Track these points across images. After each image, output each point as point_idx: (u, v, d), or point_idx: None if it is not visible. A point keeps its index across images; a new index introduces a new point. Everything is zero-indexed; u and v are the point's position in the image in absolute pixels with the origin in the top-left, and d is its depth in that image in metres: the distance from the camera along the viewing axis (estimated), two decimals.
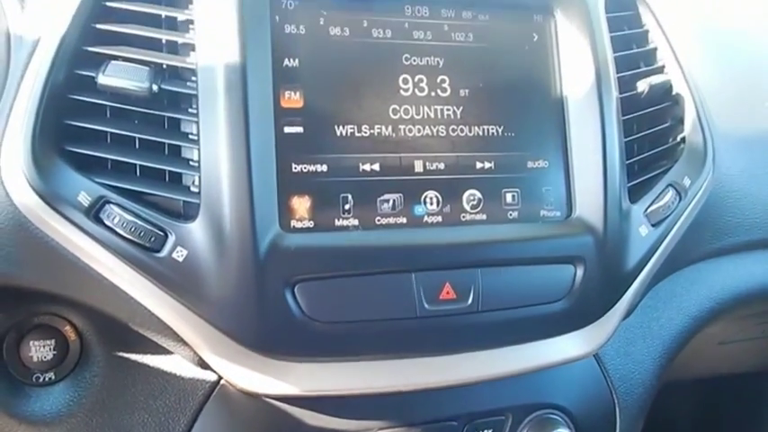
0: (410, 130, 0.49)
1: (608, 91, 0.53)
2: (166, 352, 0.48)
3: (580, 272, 0.50)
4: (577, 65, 0.53)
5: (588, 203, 0.51)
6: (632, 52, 0.59)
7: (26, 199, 0.42)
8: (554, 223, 0.51)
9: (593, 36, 0.53)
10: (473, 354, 0.49)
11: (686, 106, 0.61)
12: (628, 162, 0.55)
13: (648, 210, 0.55)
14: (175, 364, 0.49)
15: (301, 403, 0.49)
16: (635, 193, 0.55)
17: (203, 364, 0.47)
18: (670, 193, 0.57)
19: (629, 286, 0.54)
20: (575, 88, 0.53)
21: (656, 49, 0.61)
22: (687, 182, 0.58)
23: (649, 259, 0.55)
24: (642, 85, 0.57)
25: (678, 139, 0.61)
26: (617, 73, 0.55)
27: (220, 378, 0.49)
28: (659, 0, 0.63)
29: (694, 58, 0.65)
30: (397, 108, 0.49)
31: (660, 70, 0.61)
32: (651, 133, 0.58)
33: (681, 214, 0.57)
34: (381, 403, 0.51)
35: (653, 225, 0.55)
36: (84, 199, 0.42)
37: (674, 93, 0.61)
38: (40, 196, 0.42)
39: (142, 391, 0.49)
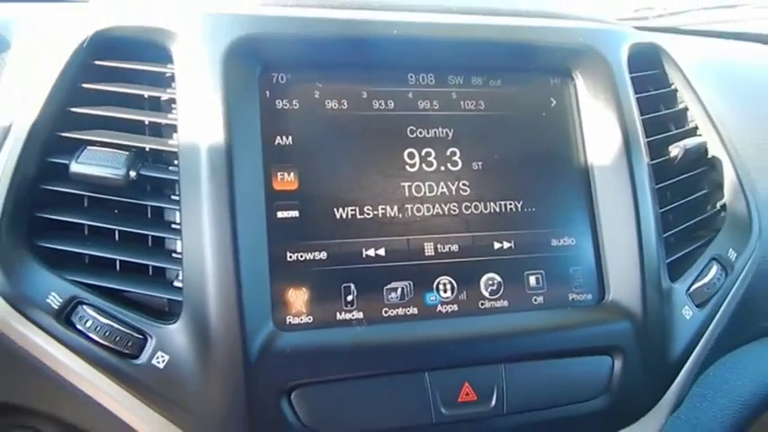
0: (419, 210, 0.44)
1: (638, 158, 0.48)
2: None
3: (618, 363, 0.44)
4: (602, 130, 0.48)
5: (623, 284, 0.46)
6: (661, 114, 0.54)
7: None
8: (585, 308, 0.46)
9: (617, 98, 0.49)
10: None
11: (725, 170, 0.55)
12: (664, 235, 0.49)
13: (692, 288, 0.49)
14: None
15: None
16: (675, 271, 0.49)
17: None
18: (714, 269, 0.51)
19: (676, 377, 0.47)
20: (600, 156, 0.48)
21: (686, 109, 0.56)
22: (732, 254, 0.52)
23: (696, 344, 0.48)
24: (675, 150, 0.52)
25: (718, 206, 0.55)
26: (646, 137, 0.50)
27: None
28: (686, 56, 0.59)
29: (730, 117, 0.60)
30: (404, 186, 0.44)
31: (693, 132, 0.56)
32: (688, 202, 0.53)
33: (728, 291, 0.51)
34: None
35: (698, 306, 0.49)
36: (54, 301, 0.38)
37: (709, 156, 0.56)
38: (6, 300, 0.38)
39: None
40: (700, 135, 0.56)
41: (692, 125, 0.56)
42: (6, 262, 0.38)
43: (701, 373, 0.52)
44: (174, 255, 0.41)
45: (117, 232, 0.41)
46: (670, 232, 0.50)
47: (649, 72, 0.55)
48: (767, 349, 0.59)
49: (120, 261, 0.40)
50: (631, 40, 0.53)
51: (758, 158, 0.60)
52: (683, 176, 0.53)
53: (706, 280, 0.50)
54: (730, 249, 0.52)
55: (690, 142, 0.53)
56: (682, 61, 0.58)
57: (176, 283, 0.40)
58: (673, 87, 0.56)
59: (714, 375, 0.56)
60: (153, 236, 0.41)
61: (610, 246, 0.47)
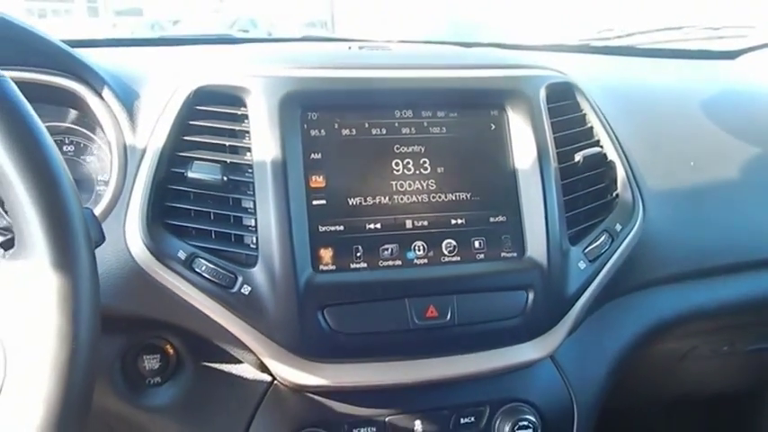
0: (401, 199, 0.68)
1: (547, 163, 0.71)
2: (236, 361, 0.68)
3: (531, 296, 0.68)
4: (524, 145, 0.72)
5: (536, 246, 0.69)
6: (571, 132, 0.78)
7: (143, 256, 0.63)
8: (511, 261, 0.70)
9: (534, 123, 0.72)
10: (453, 357, 0.68)
11: (618, 170, 0.79)
12: (570, 214, 0.73)
13: (586, 249, 0.73)
14: (242, 369, 0.69)
15: (330, 395, 0.68)
16: (576, 238, 0.73)
17: (263, 368, 0.67)
18: (604, 236, 0.75)
19: (572, 307, 0.72)
20: (523, 162, 0.72)
21: (591, 127, 0.80)
22: (619, 227, 0.76)
23: (587, 286, 0.72)
24: (578, 157, 0.76)
25: (613, 195, 0.79)
26: (557, 148, 0.73)
27: (274, 379, 0.68)
28: (596, 83, 0.84)
29: (625, 128, 0.84)
30: (392, 183, 0.68)
31: (596, 144, 0.80)
32: (589, 192, 0.76)
33: (613, 253, 0.75)
34: (390, 396, 0.70)
35: (590, 261, 0.73)
36: (182, 255, 0.63)
37: (608, 160, 0.80)
38: (152, 254, 0.63)
39: (220, 388, 0.69)
40: (601, 147, 0.79)
41: (595, 138, 0.80)
42: (152, 232, 0.63)
43: (595, 308, 0.76)
44: (249, 228, 0.65)
45: (212, 214, 0.66)
46: (575, 212, 0.74)
47: (563, 102, 0.78)
48: (652, 296, 0.83)
49: (215, 231, 0.65)
50: (549, 81, 0.76)
51: (645, 158, 0.83)
52: (584, 175, 0.76)
53: (597, 243, 0.73)
54: (617, 224, 0.76)
55: (589, 151, 0.76)
56: (591, 89, 0.81)
57: (251, 245, 0.65)
58: (582, 113, 0.80)
59: (611, 312, 0.80)
60: (235, 216, 0.66)
61: (528, 221, 0.70)
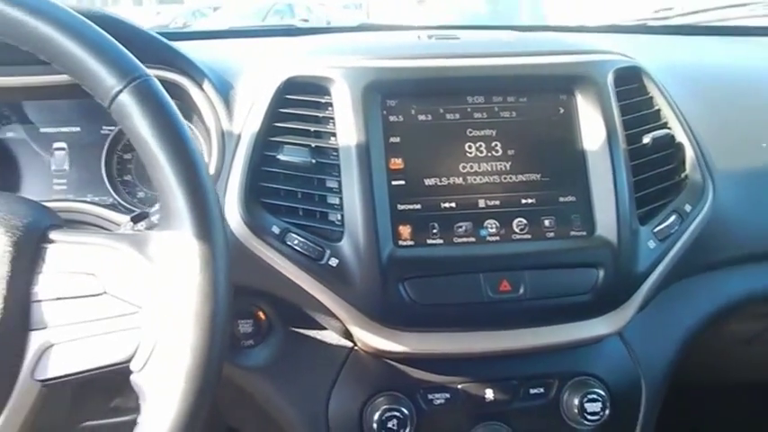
0: (474, 180, 0.73)
1: (616, 145, 0.74)
2: (321, 327, 0.75)
3: (601, 273, 0.71)
4: (593, 128, 0.75)
5: (606, 225, 0.72)
6: (639, 114, 0.80)
7: (240, 230, 0.70)
8: (581, 239, 0.73)
9: (603, 106, 0.75)
10: (524, 330, 0.71)
11: (687, 151, 0.81)
12: (640, 194, 0.75)
13: (656, 229, 0.75)
14: (326, 335, 0.76)
15: (407, 361, 0.73)
16: (646, 218, 0.75)
17: (346, 335, 0.73)
18: (673, 217, 0.76)
19: (641, 285, 0.74)
20: (592, 144, 0.75)
21: (659, 110, 0.82)
22: (688, 208, 0.78)
23: (657, 265, 0.74)
24: (647, 138, 0.78)
25: (682, 176, 0.80)
26: (626, 131, 0.76)
27: (354, 345, 0.74)
28: (661, 69, 0.85)
29: (694, 110, 0.85)
30: (465, 165, 0.73)
31: (664, 126, 0.81)
32: (659, 173, 0.78)
33: (683, 232, 0.76)
34: (463, 364, 0.74)
35: (660, 240, 0.75)
36: (276, 230, 0.69)
37: (677, 141, 0.81)
38: (249, 228, 0.69)
39: (306, 352, 0.75)
40: (669, 128, 0.81)
41: (663, 121, 0.82)
42: (249, 209, 0.70)
43: (663, 286, 0.78)
44: (334, 205, 0.71)
45: (300, 193, 0.72)
46: (642, 192, 0.76)
47: (631, 86, 0.80)
48: (712, 279, 0.84)
49: (303, 209, 0.71)
50: (617, 65, 0.78)
51: (714, 139, 0.84)
52: (653, 156, 0.78)
53: (667, 224, 0.75)
54: (687, 204, 0.78)
55: (658, 133, 0.78)
56: (656, 71, 0.83)
57: (336, 221, 0.70)
58: (649, 95, 0.81)
59: (679, 291, 0.82)
60: (319, 194, 0.72)
61: (598, 201, 0.73)
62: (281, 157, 0.71)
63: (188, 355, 0.45)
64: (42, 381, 0.47)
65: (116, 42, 0.49)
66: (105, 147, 0.86)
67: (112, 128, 0.87)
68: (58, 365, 0.46)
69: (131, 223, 0.63)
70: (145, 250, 0.48)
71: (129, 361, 0.46)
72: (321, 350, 0.75)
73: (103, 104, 0.48)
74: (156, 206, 0.62)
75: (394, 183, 0.71)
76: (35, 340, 0.46)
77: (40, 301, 0.47)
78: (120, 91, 0.47)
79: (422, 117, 0.73)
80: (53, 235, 0.49)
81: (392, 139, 0.72)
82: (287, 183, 0.72)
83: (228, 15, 6.65)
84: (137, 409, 0.76)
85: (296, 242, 0.69)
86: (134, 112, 0.47)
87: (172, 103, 0.49)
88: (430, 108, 0.73)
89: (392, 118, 0.72)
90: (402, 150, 0.72)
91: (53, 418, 0.50)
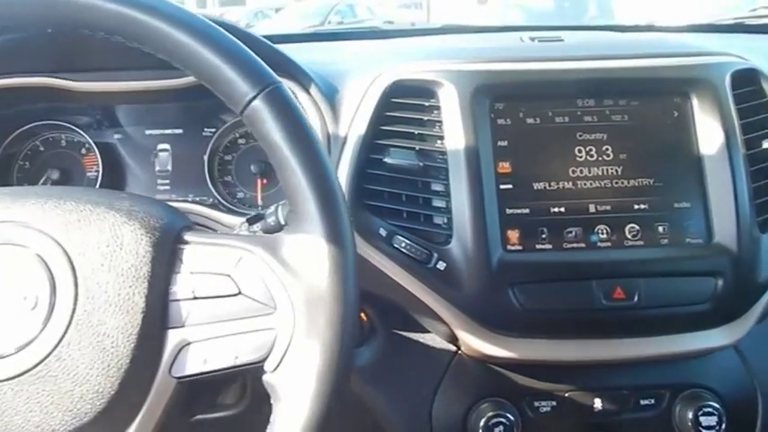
0: (584, 184, 0.71)
1: (735, 150, 0.71)
2: (424, 331, 0.74)
3: (720, 282, 0.68)
4: (710, 132, 0.72)
5: (724, 233, 0.69)
6: (758, 118, 0.76)
7: None
8: (697, 247, 0.70)
9: (721, 110, 0.72)
10: (637, 339, 0.69)
11: None
12: (759, 201, 0.72)
13: None
14: (429, 339, 0.75)
15: (513, 367, 0.72)
16: (766, 226, 0.72)
17: (451, 339, 0.72)
18: None
19: (762, 295, 0.70)
20: (709, 148, 0.71)
21: None
22: None
23: None
24: (766, 143, 0.74)
25: None
26: (744, 135, 0.73)
27: (458, 350, 0.73)
28: None
29: None
30: (575, 169, 0.71)
31: None
32: None
33: None
34: (571, 372, 0.73)
35: None
36: (383, 232, 0.69)
37: None
38: (356, 230, 0.70)
39: (408, 356, 0.75)
40: None
41: None
42: (355, 211, 0.70)
43: None
44: (440, 209, 0.70)
45: (406, 196, 0.71)
46: (762, 199, 0.73)
47: (749, 88, 0.77)
48: None
49: (408, 211, 0.71)
50: (735, 67, 0.75)
51: None
52: None
53: None
54: None
55: None
56: None
57: (443, 224, 0.69)
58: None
59: None
60: (424, 197, 0.71)
61: (716, 208, 0.70)
62: (387, 160, 0.71)
63: (321, 357, 0.45)
64: (179, 377, 0.48)
65: (249, 51, 0.49)
66: (208, 149, 0.88)
67: (213, 130, 0.90)
68: (195, 363, 0.47)
69: (247, 224, 0.65)
70: (277, 253, 0.48)
71: (263, 361, 0.47)
72: (424, 353, 0.75)
73: (235, 110, 0.49)
74: (271, 208, 0.63)
75: (502, 187, 0.70)
76: (173, 338, 0.47)
77: (178, 300, 0.48)
78: (254, 98, 0.47)
79: (530, 120, 0.72)
80: (187, 236, 0.50)
81: (500, 143, 0.71)
82: (392, 185, 0.72)
83: (290, 16, 6.76)
84: (234, 405, 0.78)
85: (403, 245, 0.68)
86: (267, 117, 0.47)
87: (302, 109, 0.50)
88: (538, 111, 0.72)
89: (500, 121, 0.71)
90: (510, 154, 0.71)
91: (175, 412, 0.51)
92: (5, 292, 0.46)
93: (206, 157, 0.88)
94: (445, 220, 0.70)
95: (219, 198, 0.88)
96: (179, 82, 0.81)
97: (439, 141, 0.72)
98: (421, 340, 0.75)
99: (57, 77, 0.80)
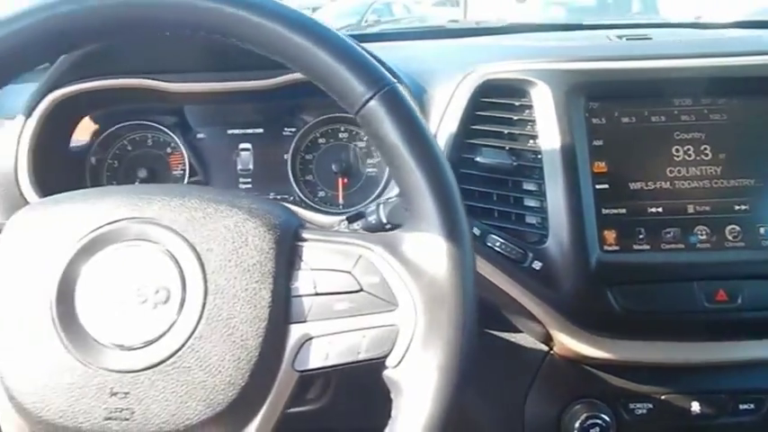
0: (682, 184, 0.70)
1: None
2: (516, 330, 0.74)
3: None
4: None
5: None
6: None
7: None
8: None
9: None
10: (739, 342, 0.68)
11: None
12: None
13: None
14: (521, 338, 0.75)
15: (607, 369, 0.72)
16: None
17: (544, 338, 0.72)
18: None
19: None
20: None
21: None
22: None
23: None
24: None
25: None
26: None
27: (550, 350, 0.73)
28: None
29: None
30: (672, 169, 0.70)
31: None
32: None
33: None
34: (668, 375, 0.72)
35: None
36: (477, 231, 0.69)
37: None
38: None
39: (500, 354, 0.75)
40: None
41: None
42: None
43: None
44: (533, 208, 0.70)
45: (496, 195, 0.71)
46: None
47: None
48: None
49: (500, 211, 0.71)
50: None
51: None
52: None
53: None
54: None
55: None
56: None
57: (536, 224, 0.69)
58: None
59: None
60: (516, 196, 0.71)
61: None
62: (479, 159, 0.71)
63: (444, 354, 0.46)
64: (301, 371, 0.49)
65: (364, 52, 0.50)
66: (291, 148, 0.89)
67: (293, 130, 0.91)
68: (317, 358, 0.48)
69: (346, 223, 0.65)
70: (397, 251, 0.49)
71: (385, 357, 0.48)
72: (515, 353, 0.75)
73: (349, 110, 0.49)
74: (371, 207, 0.64)
75: (598, 186, 0.69)
76: (295, 332, 0.48)
77: (300, 296, 0.49)
78: (371, 98, 0.48)
79: (626, 120, 0.71)
80: (305, 234, 0.51)
81: (595, 142, 0.70)
82: (484, 185, 0.72)
83: (327, 15, 6.79)
84: (316, 400, 0.79)
85: (497, 244, 0.68)
86: (383, 118, 0.48)
87: (417, 109, 0.51)
88: (634, 110, 0.71)
89: (595, 120, 0.71)
90: (605, 154, 0.70)
91: None
92: (139, 286, 0.47)
93: (289, 157, 0.89)
94: (539, 220, 0.69)
95: (302, 196, 0.89)
96: (264, 83, 0.82)
97: (531, 141, 0.71)
98: (512, 340, 0.75)
99: (151, 79, 0.82)
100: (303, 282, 0.49)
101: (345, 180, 0.90)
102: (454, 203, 0.48)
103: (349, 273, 0.49)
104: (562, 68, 0.71)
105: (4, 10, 0.49)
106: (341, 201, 0.89)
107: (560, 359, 0.73)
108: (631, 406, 0.72)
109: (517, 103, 0.73)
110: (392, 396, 0.48)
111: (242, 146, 0.92)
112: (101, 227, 0.48)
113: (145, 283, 0.48)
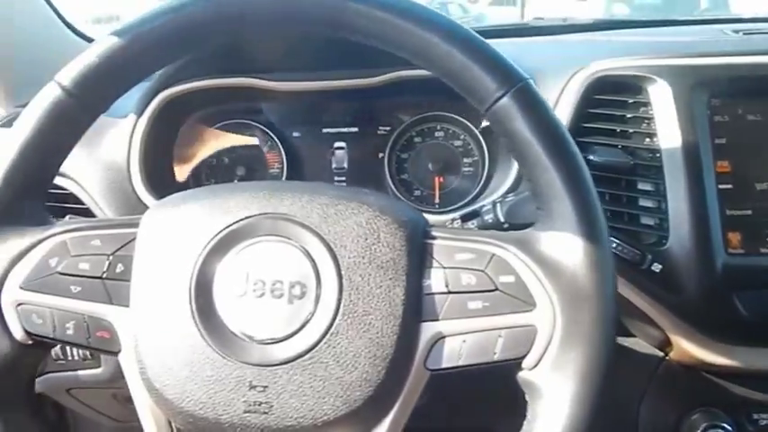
0: None
1: None
2: (629, 334, 0.71)
3: None
4: None
5: None
6: None
7: None
8: None
9: None
10: None
11: None
12: None
13: None
14: (633, 343, 0.73)
15: (728, 377, 0.69)
16: None
17: (660, 344, 0.69)
18: None
19: None
20: None
21: None
22: None
23: None
24: None
25: None
26: None
27: (665, 356, 0.70)
28: None
29: None
30: None
31: None
32: None
33: None
34: None
35: None
36: None
37: None
38: None
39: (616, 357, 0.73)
40: None
41: None
42: None
43: None
44: (648, 208, 0.67)
45: (608, 195, 0.69)
46: None
47: None
48: None
49: (612, 211, 0.69)
50: None
51: None
52: None
53: None
54: None
55: None
56: None
57: (653, 225, 0.67)
58: None
59: None
60: (629, 196, 0.69)
61: None
62: (591, 157, 0.69)
63: (586, 356, 0.45)
64: (433, 370, 0.48)
65: (496, 49, 0.49)
66: (387, 147, 0.89)
67: (388, 128, 0.91)
68: (451, 357, 0.48)
69: (460, 221, 0.65)
70: (532, 250, 0.48)
71: (522, 358, 0.47)
72: (627, 358, 0.73)
73: (479, 106, 0.49)
74: (487, 205, 0.63)
75: (721, 187, 0.66)
76: (427, 331, 0.48)
77: (432, 294, 0.48)
78: (503, 95, 0.47)
79: (751, 117, 0.68)
80: (434, 232, 0.51)
81: (717, 141, 0.68)
82: (596, 184, 0.70)
83: None
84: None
85: (614, 245, 0.66)
86: (516, 115, 0.47)
87: (550, 105, 0.49)
88: (760, 107, 0.68)
89: (717, 118, 0.68)
90: (729, 152, 0.67)
91: None
92: (275, 281, 0.48)
93: (386, 156, 0.90)
94: (657, 221, 0.67)
95: (398, 195, 0.89)
96: (366, 81, 0.83)
97: (648, 139, 0.69)
98: (625, 344, 0.73)
99: (256, 77, 0.83)
100: (435, 280, 0.49)
101: (442, 179, 0.89)
102: (593, 202, 0.47)
103: (482, 272, 0.48)
104: (683, 64, 0.68)
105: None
106: (437, 200, 0.89)
107: (677, 365, 0.70)
108: (755, 416, 0.68)
109: (631, 101, 0.70)
110: (527, 398, 0.47)
111: (337, 144, 0.93)
112: (234, 223, 0.49)
113: (280, 279, 0.48)
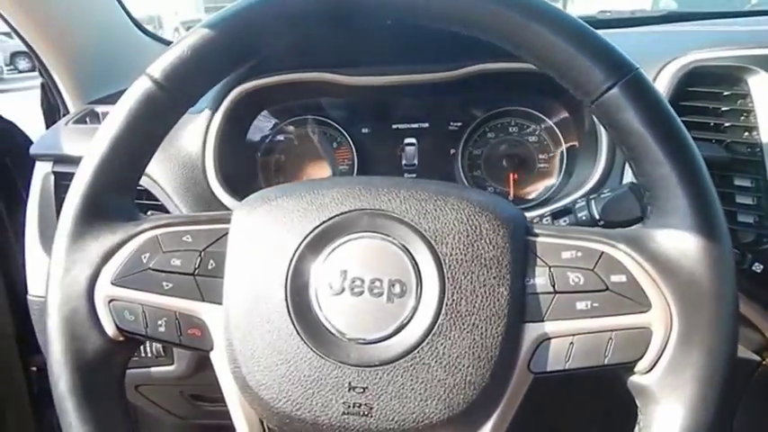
0: None
1: None
2: None
3: None
4: None
5: None
6: None
7: None
8: None
9: None
10: None
11: None
12: None
13: None
14: None
15: None
16: None
17: (757, 348, 0.66)
18: None
19: None
20: None
21: None
22: None
23: None
24: None
25: None
26: None
27: (762, 360, 0.67)
28: None
29: None
30: None
31: None
32: None
33: None
34: None
35: None
36: None
37: None
38: None
39: None
40: None
41: None
42: None
43: None
44: (746, 205, 0.64)
45: None
46: None
47: None
48: None
49: None
50: None
51: None
52: None
53: None
54: None
55: None
56: None
57: (752, 223, 0.63)
58: None
59: None
60: (723, 192, 0.65)
61: None
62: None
63: (707, 360, 0.42)
64: (537, 373, 0.46)
65: (604, 38, 0.47)
66: (461, 143, 0.88)
67: (459, 124, 0.89)
68: (557, 360, 0.45)
69: (550, 219, 0.62)
70: (645, 248, 0.45)
71: (635, 361, 0.44)
72: None
73: (584, 99, 0.46)
74: (580, 202, 0.61)
75: None
76: (531, 332, 0.46)
77: (536, 293, 0.46)
78: (613, 86, 0.45)
79: None
80: (536, 229, 0.49)
81: None
82: None
83: None
84: None
85: None
86: (627, 106, 0.44)
87: (664, 96, 0.47)
88: None
89: None
90: None
91: None
92: (374, 279, 0.46)
93: (458, 152, 0.88)
94: (756, 218, 0.63)
95: None
96: (442, 75, 0.81)
97: (746, 133, 0.66)
98: None
99: (329, 72, 0.82)
100: (540, 279, 0.47)
101: (516, 176, 0.87)
102: (712, 197, 0.44)
103: (591, 270, 0.46)
104: None
105: None
106: (511, 197, 0.87)
107: None
108: None
109: (727, 92, 0.67)
110: (639, 403, 0.45)
111: (407, 140, 0.91)
112: (330, 219, 0.48)
113: (379, 276, 0.46)
